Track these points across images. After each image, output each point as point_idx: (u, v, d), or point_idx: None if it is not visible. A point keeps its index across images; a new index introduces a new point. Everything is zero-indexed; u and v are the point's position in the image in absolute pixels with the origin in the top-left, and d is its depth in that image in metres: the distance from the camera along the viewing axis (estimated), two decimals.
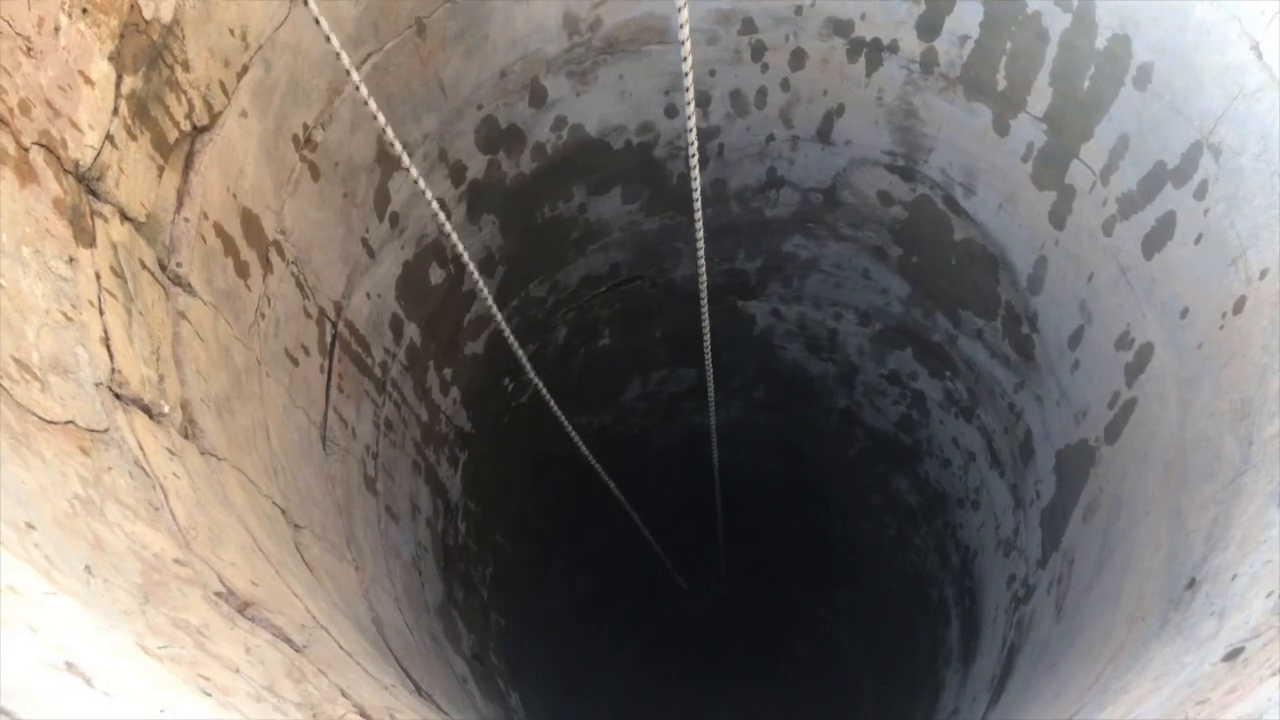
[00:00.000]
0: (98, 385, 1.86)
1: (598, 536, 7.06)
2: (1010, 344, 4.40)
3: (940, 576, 6.02)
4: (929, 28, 3.52)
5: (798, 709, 7.86)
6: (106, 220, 2.08)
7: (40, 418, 1.61)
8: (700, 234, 3.32)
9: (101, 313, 1.97)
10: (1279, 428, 2.48)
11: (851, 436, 6.31)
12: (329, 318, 3.29)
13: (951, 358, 4.94)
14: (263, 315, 2.83)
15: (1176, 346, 3.13)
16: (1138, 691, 2.36)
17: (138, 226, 2.22)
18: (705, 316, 3.93)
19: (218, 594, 1.77)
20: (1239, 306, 2.77)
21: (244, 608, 1.83)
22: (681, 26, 2.49)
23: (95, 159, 2.06)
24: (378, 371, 3.73)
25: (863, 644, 7.83)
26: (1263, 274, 2.67)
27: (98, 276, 2.00)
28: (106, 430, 1.80)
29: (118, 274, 2.08)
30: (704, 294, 3.76)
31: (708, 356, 4.27)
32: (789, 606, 8.37)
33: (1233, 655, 1.95)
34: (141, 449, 1.91)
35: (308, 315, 3.15)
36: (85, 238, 1.99)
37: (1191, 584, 2.59)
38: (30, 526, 1.30)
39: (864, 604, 7.53)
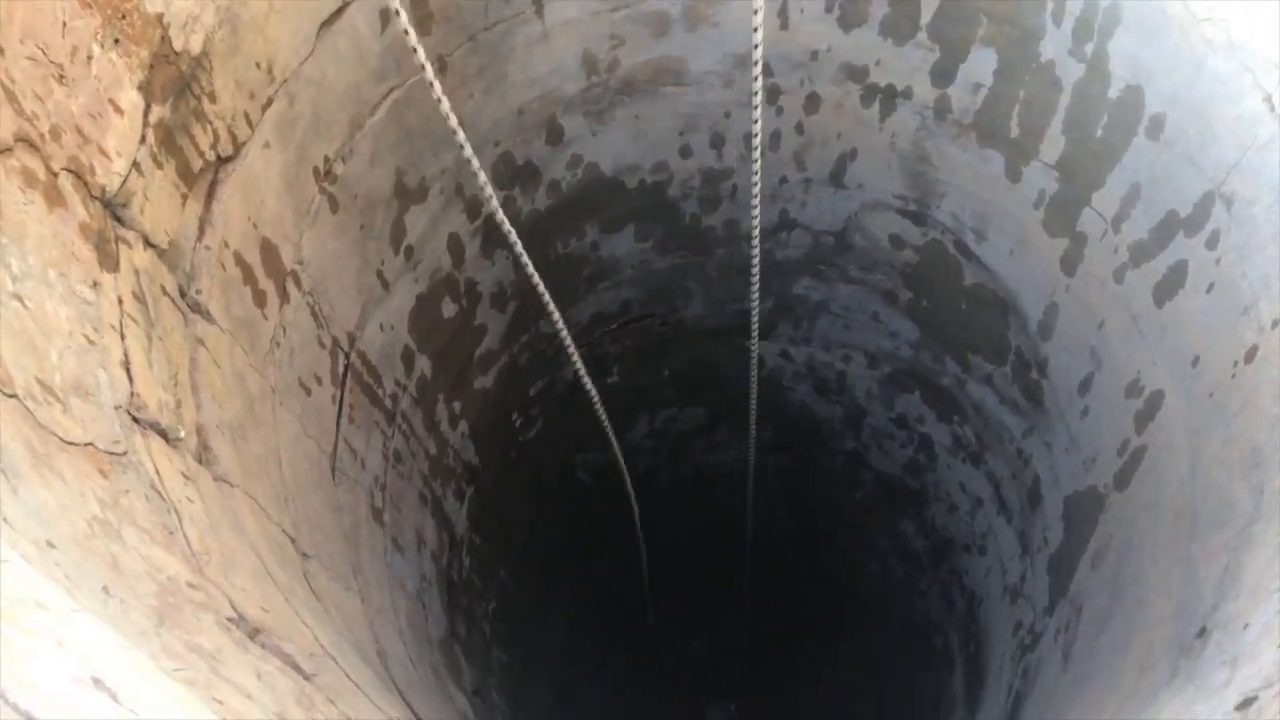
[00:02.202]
0: (117, 408, 1.87)
1: (602, 573, 7.03)
2: (1019, 389, 4.40)
3: (945, 623, 5.98)
4: (943, 75, 3.57)
5: None
6: (130, 246, 2.11)
7: (61, 439, 1.62)
8: (755, 264, 3.34)
9: (123, 337, 1.99)
10: None
11: (858, 479, 6.29)
12: (342, 348, 3.31)
13: (960, 402, 4.94)
14: (278, 344, 2.85)
15: (1187, 395, 3.13)
16: None
17: (160, 253, 2.24)
18: (754, 346, 3.95)
19: (229, 619, 1.77)
20: (1250, 355, 2.77)
21: (255, 634, 1.83)
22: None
23: (121, 186, 2.09)
24: (388, 403, 3.74)
25: (866, 689, 7.76)
26: (1274, 324, 2.68)
27: (120, 301, 2.02)
28: (125, 453, 1.81)
29: (139, 299, 2.10)
30: (755, 323, 3.79)
31: (753, 397, 4.29)
32: (795, 649, 8.31)
33: (1246, 704, 1.94)
34: (158, 472, 1.92)
35: (321, 345, 3.17)
36: (109, 263, 2.01)
37: (1202, 632, 2.58)
38: (51, 545, 1.30)
39: (869, 648, 7.47)
